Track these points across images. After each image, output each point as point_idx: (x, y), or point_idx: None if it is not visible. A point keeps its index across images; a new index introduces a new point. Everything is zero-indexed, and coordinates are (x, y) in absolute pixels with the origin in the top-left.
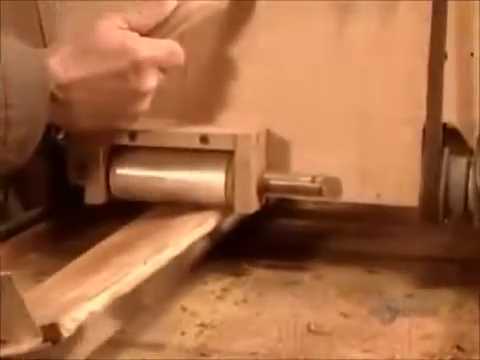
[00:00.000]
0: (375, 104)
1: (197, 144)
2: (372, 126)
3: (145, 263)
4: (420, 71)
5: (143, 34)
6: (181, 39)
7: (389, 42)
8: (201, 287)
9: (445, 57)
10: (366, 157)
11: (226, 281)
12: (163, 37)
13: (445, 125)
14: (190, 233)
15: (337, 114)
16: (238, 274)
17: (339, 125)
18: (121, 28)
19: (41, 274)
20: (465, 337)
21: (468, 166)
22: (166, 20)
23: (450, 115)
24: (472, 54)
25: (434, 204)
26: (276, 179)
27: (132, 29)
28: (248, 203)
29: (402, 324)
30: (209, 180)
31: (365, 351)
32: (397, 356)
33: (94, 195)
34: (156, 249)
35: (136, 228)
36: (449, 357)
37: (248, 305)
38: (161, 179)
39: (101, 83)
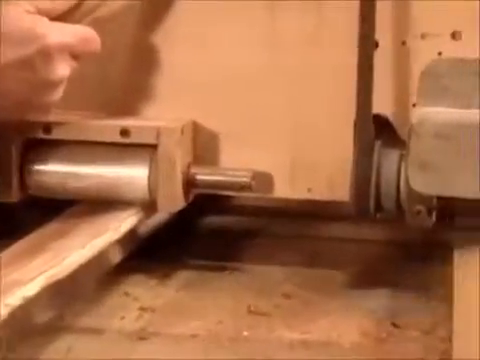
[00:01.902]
0: (306, 97)
1: (117, 138)
2: (303, 120)
3: (83, 247)
4: (352, 64)
5: (53, 19)
6: (98, 24)
7: (320, 34)
8: (144, 274)
9: (376, 45)
10: (297, 151)
11: (169, 268)
12: (76, 22)
13: (377, 117)
14: (130, 218)
15: (268, 107)
16: (180, 262)
17: (270, 118)
18: (29, 12)
19: None
20: (401, 314)
21: (400, 159)
22: (79, 4)
23: (383, 106)
24: (404, 43)
25: (365, 199)
26: (203, 174)
27: (41, 13)
28: (173, 200)
29: (342, 304)
30: (131, 176)
31: (304, 332)
32: (335, 336)
33: (7, 193)
34: (95, 234)
35: (73, 215)
36: (384, 334)
37: (190, 290)
38: (80, 175)
39: (6, 72)
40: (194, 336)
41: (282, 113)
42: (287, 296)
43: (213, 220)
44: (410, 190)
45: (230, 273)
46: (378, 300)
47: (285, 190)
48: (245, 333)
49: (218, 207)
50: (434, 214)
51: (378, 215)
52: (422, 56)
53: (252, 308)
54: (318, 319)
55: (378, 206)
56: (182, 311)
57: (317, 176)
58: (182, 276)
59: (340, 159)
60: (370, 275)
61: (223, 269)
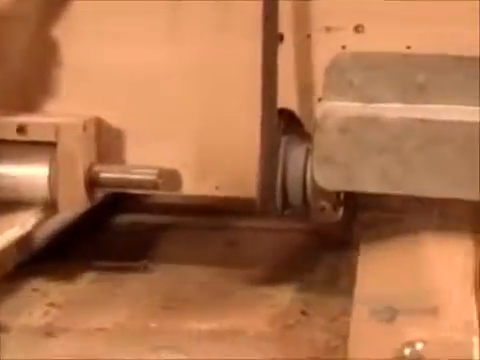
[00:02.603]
0: (212, 93)
1: (14, 135)
2: (209, 116)
3: None
4: (259, 58)
5: None
6: None
7: (225, 27)
8: (55, 271)
9: (280, 39)
10: (204, 148)
11: (80, 265)
12: None
13: (284, 111)
14: (30, 218)
15: (174, 103)
16: (92, 258)
17: (176, 114)
18: None
19: None
20: (311, 303)
21: (307, 154)
22: None
23: (290, 100)
24: (309, 36)
25: (272, 195)
26: (107, 172)
27: None
28: (75, 200)
29: (254, 294)
30: (31, 175)
31: (214, 323)
32: (244, 325)
33: None
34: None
35: None
36: (292, 322)
37: (101, 285)
38: None
39: None
40: (101, 330)
41: (188, 109)
42: (200, 288)
43: (127, 218)
44: (315, 186)
45: (144, 268)
46: (290, 289)
47: (193, 187)
48: (154, 325)
49: (131, 204)
50: (341, 209)
51: (286, 211)
52: (327, 49)
53: (165, 301)
54: (229, 309)
55: (285, 202)
56: (92, 306)
57: (225, 173)
58: (94, 272)
59: (248, 155)
60: (284, 264)
61: (137, 263)
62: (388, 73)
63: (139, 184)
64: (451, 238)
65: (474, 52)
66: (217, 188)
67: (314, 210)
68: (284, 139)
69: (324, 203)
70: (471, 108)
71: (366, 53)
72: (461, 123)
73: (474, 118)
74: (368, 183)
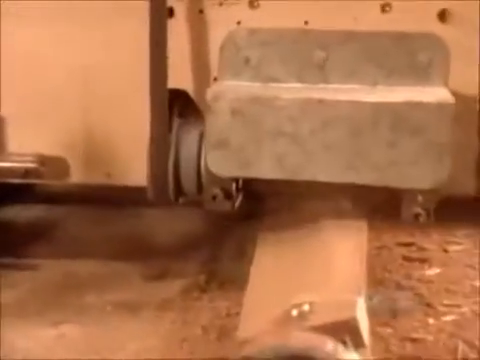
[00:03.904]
0: (101, 75)
1: None
2: (99, 100)
3: None
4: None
5: None
6: None
7: (113, 3)
8: None
9: (170, 14)
10: (92, 133)
11: None
12: None
13: (176, 92)
14: None
15: (59, 86)
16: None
17: (62, 99)
18: None
19: None
20: (216, 275)
21: (201, 139)
22: None
23: (183, 80)
24: (201, 11)
25: (164, 183)
26: None
27: None
28: None
29: (160, 267)
30: None
31: (117, 297)
32: (148, 298)
33: None
34: None
35: None
36: (196, 295)
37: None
38: None
39: None
40: (3, 306)
41: (75, 93)
42: (103, 264)
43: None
44: (208, 172)
45: (43, 240)
46: (196, 261)
47: (82, 176)
48: (54, 300)
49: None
50: (239, 198)
51: (180, 200)
52: (221, 25)
53: (65, 277)
54: (134, 283)
55: (179, 190)
56: None
57: (116, 160)
58: None
59: (139, 140)
60: (191, 238)
61: (37, 244)
62: (286, 50)
63: (18, 172)
64: (346, 220)
65: (375, 27)
66: (108, 176)
67: (206, 198)
68: (177, 123)
69: (217, 191)
70: (368, 87)
71: (263, 29)
72: (357, 103)
73: (371, 98)
74: (263, 169)
